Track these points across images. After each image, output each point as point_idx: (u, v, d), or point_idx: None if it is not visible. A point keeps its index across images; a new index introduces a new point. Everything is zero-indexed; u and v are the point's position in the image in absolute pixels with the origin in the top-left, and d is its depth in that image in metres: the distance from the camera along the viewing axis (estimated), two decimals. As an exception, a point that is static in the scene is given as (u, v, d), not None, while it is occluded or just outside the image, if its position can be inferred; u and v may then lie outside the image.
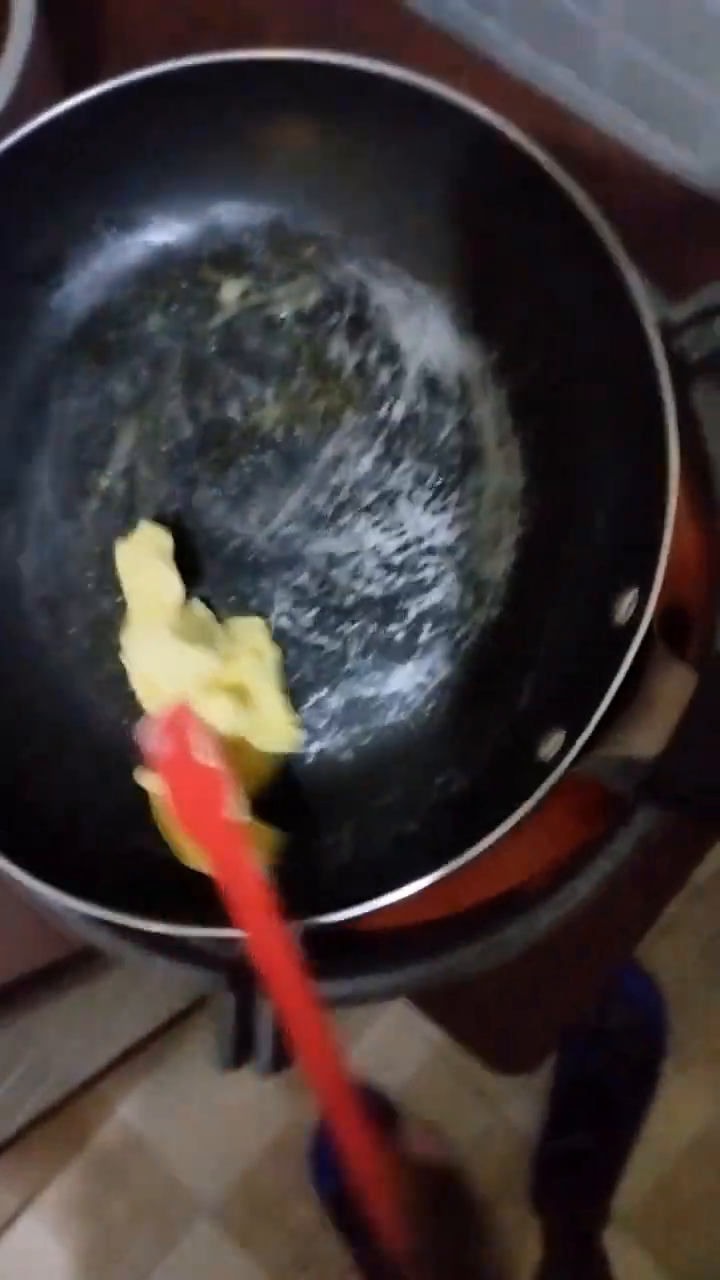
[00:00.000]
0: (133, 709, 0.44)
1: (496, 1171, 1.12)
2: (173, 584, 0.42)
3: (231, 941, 0.42)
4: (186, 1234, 1.18)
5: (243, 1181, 1.17)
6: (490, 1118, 1.13)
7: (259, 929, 0.34)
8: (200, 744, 0.35)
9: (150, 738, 0.35)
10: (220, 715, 0.39)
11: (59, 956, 0.72)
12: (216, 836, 0.35)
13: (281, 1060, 0.41)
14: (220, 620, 0.43)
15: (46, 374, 0.45)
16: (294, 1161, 1.15)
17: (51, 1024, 0.85)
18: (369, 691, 0.43)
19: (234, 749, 0.40)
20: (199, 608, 0.43)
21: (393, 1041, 1.13)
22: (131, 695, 0.43)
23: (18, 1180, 1.17)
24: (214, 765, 0.34)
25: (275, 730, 0.42)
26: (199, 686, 0.40)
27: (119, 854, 0.41)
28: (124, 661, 0.43)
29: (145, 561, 0.43)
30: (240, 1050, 0.40)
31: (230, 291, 0.45)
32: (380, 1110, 1.13)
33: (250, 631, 0.43)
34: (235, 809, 0.34)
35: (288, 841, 0.41)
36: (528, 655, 0.41)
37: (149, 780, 0.39)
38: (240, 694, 0.41)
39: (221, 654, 0.41)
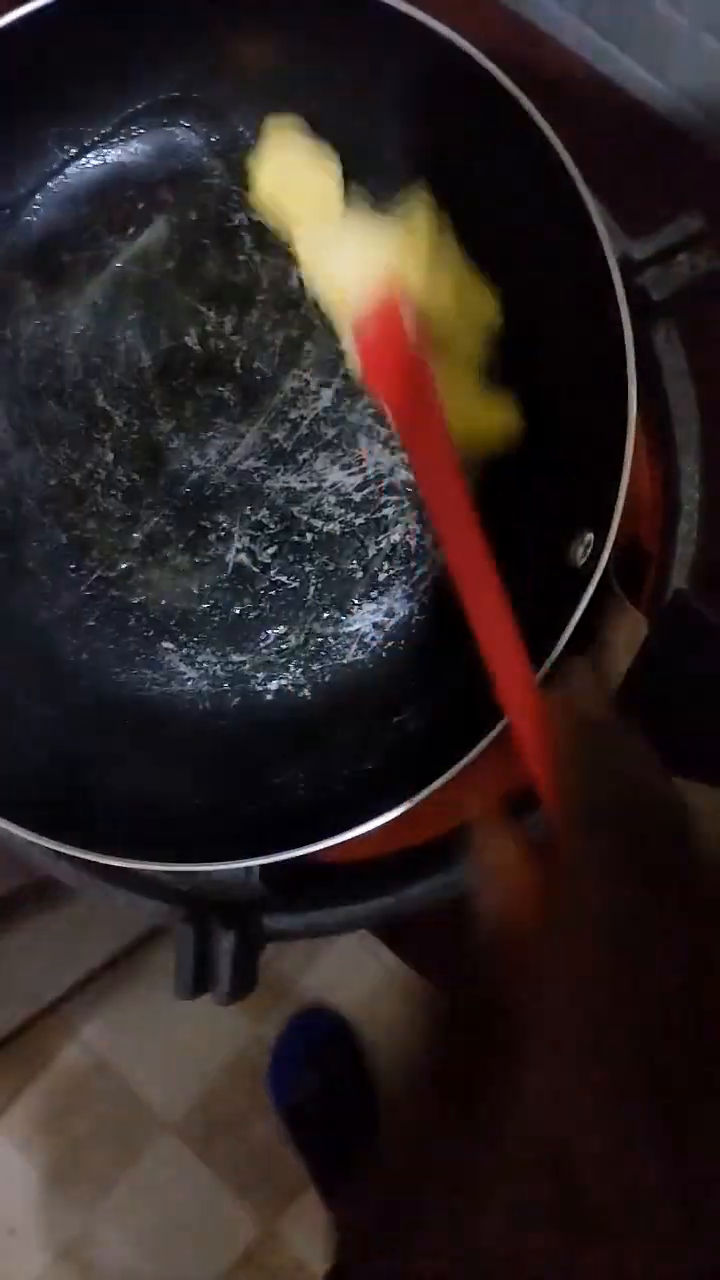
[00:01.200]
0: (92, 645, 0.43)
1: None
2: (331, 175, 0.40)
3: (190, 875, 0.42)
4: (149, 1149, 1.21)
5: (203, 1099, 1.20)
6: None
7: (440, 475, 0.33)
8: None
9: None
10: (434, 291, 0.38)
11: (21, 883, 0.72)
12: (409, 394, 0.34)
13: (238, 990, 0.42)
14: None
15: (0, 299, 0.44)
16: (253, 1080, 1.18)
17: (15, 949, 0.86)
18: (328, 629, 0.43)
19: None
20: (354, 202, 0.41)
21: (348, 965, 1.16)
22: (90, 629, 0.43)
23: (-19, 1099, 1.20)
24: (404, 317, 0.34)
25: (475, 304, 0.40)
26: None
27: (81, 790, 0.41)
28: (308, 271, 0.41)
29: (290, 169, 0.41)
30: (199, 980, 0.41)
31: (187, 214, 0.44)
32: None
33: (415, 212, 0.40)
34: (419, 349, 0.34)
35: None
36: (486, 595, 0.41)
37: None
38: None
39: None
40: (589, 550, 0.37)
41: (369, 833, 0.37)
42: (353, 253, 0.39)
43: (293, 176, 0.41)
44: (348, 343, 0.37)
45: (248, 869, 0.42)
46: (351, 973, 1.16)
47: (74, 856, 0.40)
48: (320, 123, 0.42)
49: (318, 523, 0.43)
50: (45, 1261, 1.21)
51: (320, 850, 0.38)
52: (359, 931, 0.48)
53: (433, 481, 0.34)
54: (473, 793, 0.47)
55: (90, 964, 1.08)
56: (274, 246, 0.43)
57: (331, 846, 0.38)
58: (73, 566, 0.44)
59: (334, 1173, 1.14)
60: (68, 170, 0.43)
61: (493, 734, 0.36)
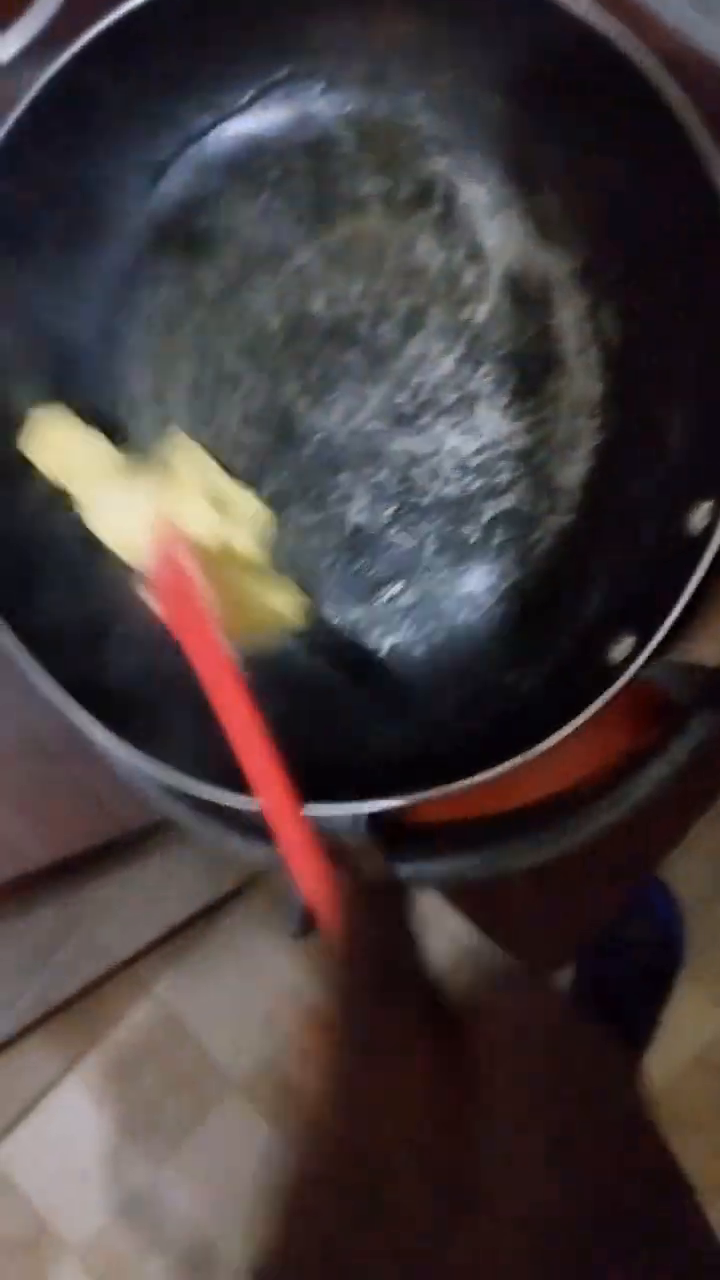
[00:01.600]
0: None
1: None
2: (96, 443, 0.43)
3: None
4: (216, 1108, 1.24)
5: (273, 1062, 1.22)
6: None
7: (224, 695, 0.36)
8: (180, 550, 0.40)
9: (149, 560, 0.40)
10: (199, 517, 0.42)
11: (113, 836, 0.75)
12: (194, 625, 0.38)
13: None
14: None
15: (136, 265, 0.46)
16: (322, 1045, 1.20)
17: (96, 904, 0.88)
18: (441, 590, 0.44)
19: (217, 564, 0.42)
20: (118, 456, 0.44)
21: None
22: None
23: (60, 1048, 1.23)
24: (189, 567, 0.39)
25: (236, 505, 0.43)
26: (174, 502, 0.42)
27: (203, 734, 0.43)
28: (100, 538, 0.43)
29: (60, 442, 0.43)
30: (307, 920, 0.43)
31: (318, 183, 0.45)
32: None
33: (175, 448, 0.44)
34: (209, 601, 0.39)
35: (310, 607, 0.44)
36: (599, 561, 0.42)
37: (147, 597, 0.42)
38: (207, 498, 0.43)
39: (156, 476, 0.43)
40: (708, 519, 0.37)
41: (471, 789, 0.38)
42: (125, 505, 0.42)
43: (64, 451, 0.44)
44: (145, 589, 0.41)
45: (355, 817, 0.44)
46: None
47: (194, 798, 0.42)
48: (450, 97, 0.43)
49: (435, 485, 0.44)
50: (115, 1207, 1.24)
51: (423, 803, 0.39)
52: (433, 905, 0.49)
53: (206, 670, 0.37)
54: (571, 761, 0.48)
55: (169, 921, 1.11)
56: (401, 215, 0.44)
57: (434, 800, 0.39)
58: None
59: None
60: (206, 138, 0.45)
61: (606, 696, 0.37)
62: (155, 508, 0.41)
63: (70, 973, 1.00)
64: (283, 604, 0.43)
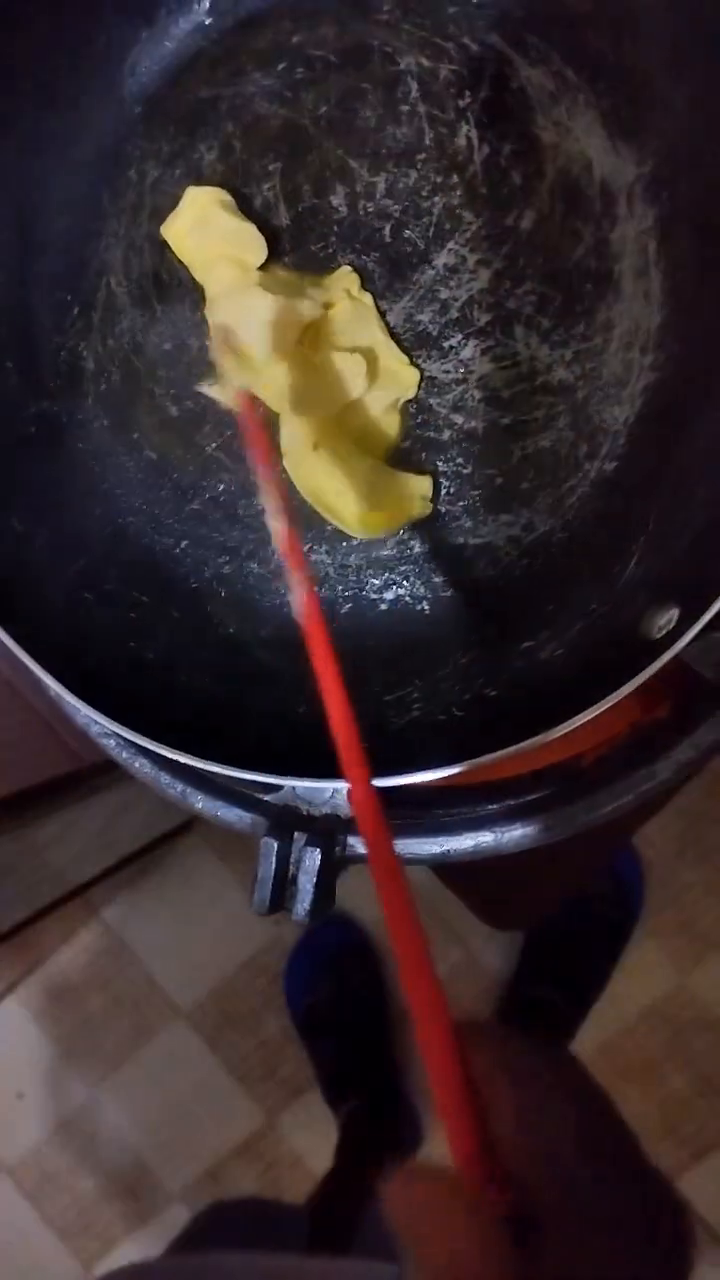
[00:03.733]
0: (196, 532, 0.40)
1: (462, 1006, 1.16)
2: (252, 237, 0.38)
3: (277, 786, 0.40)
4: (160, 1033, 1.22)
5: (218, 991, 1.20)
6: (462, 957, 1.16)
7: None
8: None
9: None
10: (350, 371, 0.37)
11: (69, 769, 0.71)
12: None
13: (318, 911, 0.39)
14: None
15: (127, 133, 0.39)
16: (269, 979, 1.18)
17: (50, 832, 0.85)
18: (458, 539, 0.39)
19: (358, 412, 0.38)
20: (280, 268, 0.39)
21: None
22: (194, 514, 0.40)
23: (3, 969, 1.21)
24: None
25: (396, 375, 0.38)
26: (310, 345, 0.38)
27: (171, 688, 0.38)
28: (211, 347, 0.38)
29: (213, 222, 0.38)
30: (276, 896, 0.38)
31: (348, 53, 0.38)
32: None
33: (340, 280, 0.39)
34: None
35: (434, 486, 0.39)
36: (640, 519, 0.37)
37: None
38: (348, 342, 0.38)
39: (318, 303, 0.38)
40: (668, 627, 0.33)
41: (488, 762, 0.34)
42: (263, 316, 0.37)
43: (213, 232, 0.38)
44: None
45: (334, 789, 0.39)
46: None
47: (157, 754, 0.37)
48: None
49: (458, 418, 0.38)
50: (49, 1127, 1.23)
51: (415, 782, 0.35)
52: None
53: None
54: (589, 729, 0.44)
55: (122, 850, 1.07)
56: (442, 98, 0.38)
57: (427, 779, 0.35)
58: (180, 444, 0.40)
59: (339, 1076, 1.15)
60: (219, -15, 0.38)
61: (645, 674, 0.32)
62: (291, 334, 0.36)
63: (22, 897, 0.97)
64: (409, 491, 0.38)
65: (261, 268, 0.39)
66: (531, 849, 0.43)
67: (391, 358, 0.38)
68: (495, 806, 0.41)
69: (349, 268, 0.38)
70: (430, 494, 0.38)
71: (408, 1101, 1.12)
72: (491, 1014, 1.15)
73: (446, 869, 0.64)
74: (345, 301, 0.37)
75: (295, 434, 0.37)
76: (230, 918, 1.17)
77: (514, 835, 0.40)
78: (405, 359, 0.38)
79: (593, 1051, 1.13)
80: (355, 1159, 1.04)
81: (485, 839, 0.40)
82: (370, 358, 0.37)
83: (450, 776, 0.35)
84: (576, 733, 0.44)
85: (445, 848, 0.41)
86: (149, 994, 1.22)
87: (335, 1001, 1.16)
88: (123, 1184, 1.22)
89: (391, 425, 0.38)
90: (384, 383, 0.38)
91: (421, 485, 0.38)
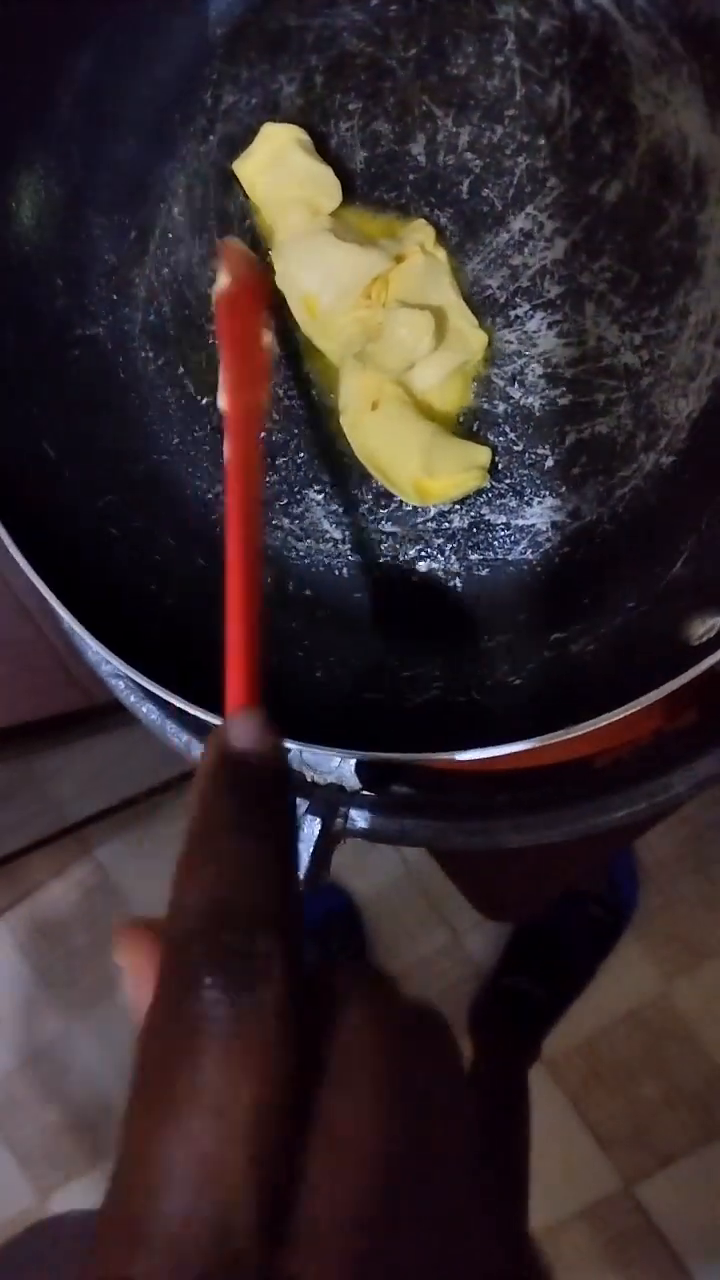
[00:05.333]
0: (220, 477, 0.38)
1: (441, 988, 1.15)
2: (329, 180, 0.36)
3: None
4: (140, 976, 1.23)
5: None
6: (448, 940, 1.16)
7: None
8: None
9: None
10: (418, 328, 0.35)
11: (78, 706, 0.70)
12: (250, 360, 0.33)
13: (314, 880, 0.38)
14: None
15: (207, 55, 0.37)
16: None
17: (52, 767, 0.84)
18: (499, 518, 0.37)
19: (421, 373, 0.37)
20: (353, 214, 0.38)
21: (370, 849, 1.14)
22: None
23: (-8, 897, 1.22)
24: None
25: (464, 338, 0.37)
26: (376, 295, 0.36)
27: (184, 632, 0.37)
28: (280, 286, 0.37)
29: (289, 162, 0.36)
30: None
31: (445, -4, 0.37)
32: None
33: (415, 231, 0.37)
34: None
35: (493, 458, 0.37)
36: (692, 519, 0.35)
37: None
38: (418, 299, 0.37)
39: (390, 255, 0.36)
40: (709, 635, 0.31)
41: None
42: (332, 263, 0.36)
43: (287, 172, 0.37)
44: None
45: (340, 759, 0.38)
46: (371, 857, 1.15)
47: (165, 701, 0.36)
48: None
49: (515, 392, 0.37)
50: (21, 1056, 1.24)
51: (423, 762, 0.34)
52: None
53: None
54: (609, 730, 0.42)
55: (122, 793, 1.07)
56: (540, 55, 0.36)
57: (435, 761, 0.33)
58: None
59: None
60: None
61: (682, 679, 0.31)
62: (359, 284, 0.35)
63: (18, 826, 0.97)
64: (469, 461, 0.36)
65: (333, 214, 0.37)
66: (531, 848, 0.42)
67: (461, 319, 0.36)
68: (503, 798, 0.39)
69: (424, 220, 0.37)
70: (488, 465, 0.37)
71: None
72: (470, 1000, 1.15)
73: (444, 852, 0.63)
74: (418, 255, 0.36)
75: (354, 391, 0.36)
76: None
77: (519, 829, 0.39)
78: (475, 321, 0.36)
79: (568, 1050, 1.12)
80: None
81: (489, 829, 0.39)
82: (440, 316, 0.36)
83: (460, 762, 0.34)
84: (596, 732, 0.43)
85: (446, 832, 0.40)
86: (133, 936, 1.23)
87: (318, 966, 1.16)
88: (87, 1120, 1.23)
89: (454, 390, 0.37)
90: (451, 344, 0.36)
91: (481, 455, 0.36)
